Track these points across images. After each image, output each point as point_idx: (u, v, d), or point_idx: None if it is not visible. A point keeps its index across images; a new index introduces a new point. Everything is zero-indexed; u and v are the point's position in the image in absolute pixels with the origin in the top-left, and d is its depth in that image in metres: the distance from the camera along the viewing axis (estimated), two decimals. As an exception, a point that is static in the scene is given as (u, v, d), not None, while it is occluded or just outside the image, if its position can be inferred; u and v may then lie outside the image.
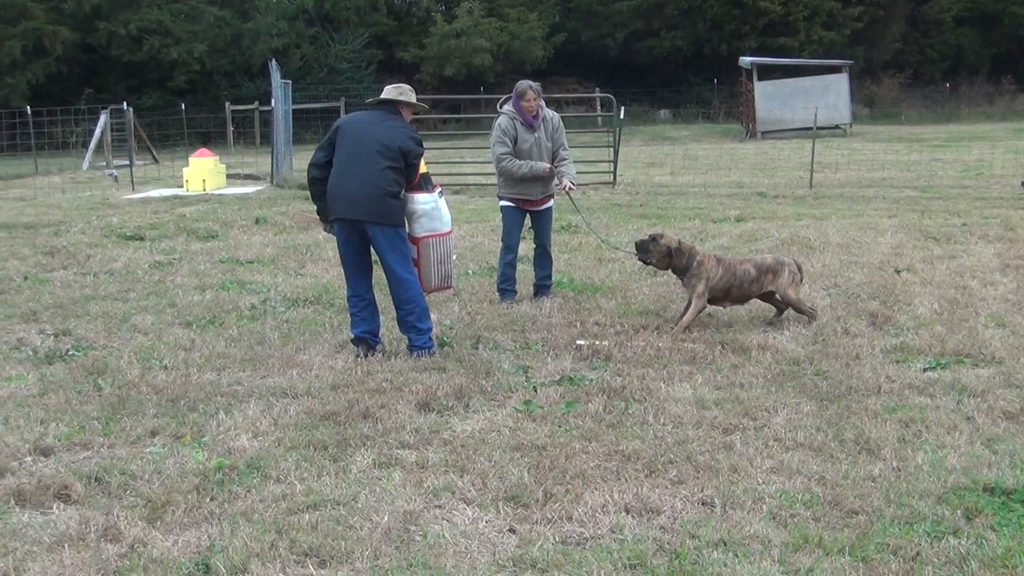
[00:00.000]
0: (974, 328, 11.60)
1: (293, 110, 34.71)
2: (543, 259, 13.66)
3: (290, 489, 7.26)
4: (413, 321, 10.81)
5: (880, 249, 16.99)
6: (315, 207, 11.23)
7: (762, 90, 51.71)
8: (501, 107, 13.33)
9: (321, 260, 16.70)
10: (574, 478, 7.36)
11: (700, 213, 22.22)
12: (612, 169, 28.73)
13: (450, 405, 9.12)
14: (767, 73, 53.81)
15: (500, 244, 13.68)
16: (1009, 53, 69.74)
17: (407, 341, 10.91)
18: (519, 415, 8.84)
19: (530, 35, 62.60)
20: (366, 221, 10.59)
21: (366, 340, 10.88)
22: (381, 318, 11.20)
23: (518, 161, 13.00)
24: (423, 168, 11.10)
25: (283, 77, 32.03)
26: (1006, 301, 13.00)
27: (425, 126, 45.23)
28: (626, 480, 7.35)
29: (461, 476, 7.46)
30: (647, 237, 12.32)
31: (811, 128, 32.69)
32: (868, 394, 9.32)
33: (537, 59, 63.02)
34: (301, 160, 32.67)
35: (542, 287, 13.61)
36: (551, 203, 13.59)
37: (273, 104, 30.42)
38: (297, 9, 59.57)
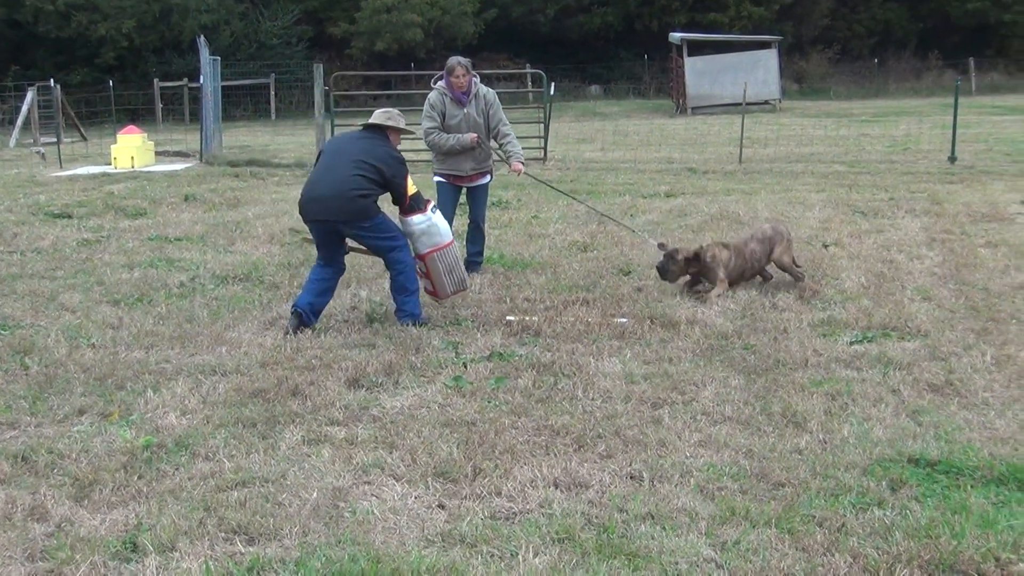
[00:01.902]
0: (900, 301, 11.71)
1: (223, 87, 34.51)
2: (476, 235, 13.69)
3: (218, 467, 7.24)
4: (403, 282, 11.05)
5: (808, 224, 17.08)
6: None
7: (692, 66, 51.71)
8: (435, 83, 13.34)
9: (251, 237, 16.61)
10: (503, 453, 7.38)
11: (630, 189, 22.24)
12: (542, 145, 28.73)
13: (380, 381, 9.12)
14: (697, 49, 53.85)
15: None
16: (936, 29, 70.12)
17: (396, 307, 11.19)
18: (449, 391, 8.86)
19: (461, 10, 62.26)
20: (338, 222, 10.81)
21: (301, 314, 10.87)
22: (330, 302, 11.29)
23: (445, 135, 13.03)
24: (412, 189, 11.28)
25: (213, 54, 31.82)
26: (932, 274, 13.12)
27: (355, 103, 45.10)
28: (555, 455, 7.37)
29: (390, 452, 7.47)
30: (663, 258, 12.41)
31: (741, 104, 32.84)
32: (795, 368, 9.40)
33: (468, 35, 62.74)
34: (230, 137, 32.63)
35: (473, 263, 13.60)
36: (487, 180, 13.59)
37: (202, 81, 30.22)
38: (226, -15, 59.13)
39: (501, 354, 9.89)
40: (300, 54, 59.51)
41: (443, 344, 10.26)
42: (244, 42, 58.98)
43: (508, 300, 12.02)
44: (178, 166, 28.58)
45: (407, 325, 10.86)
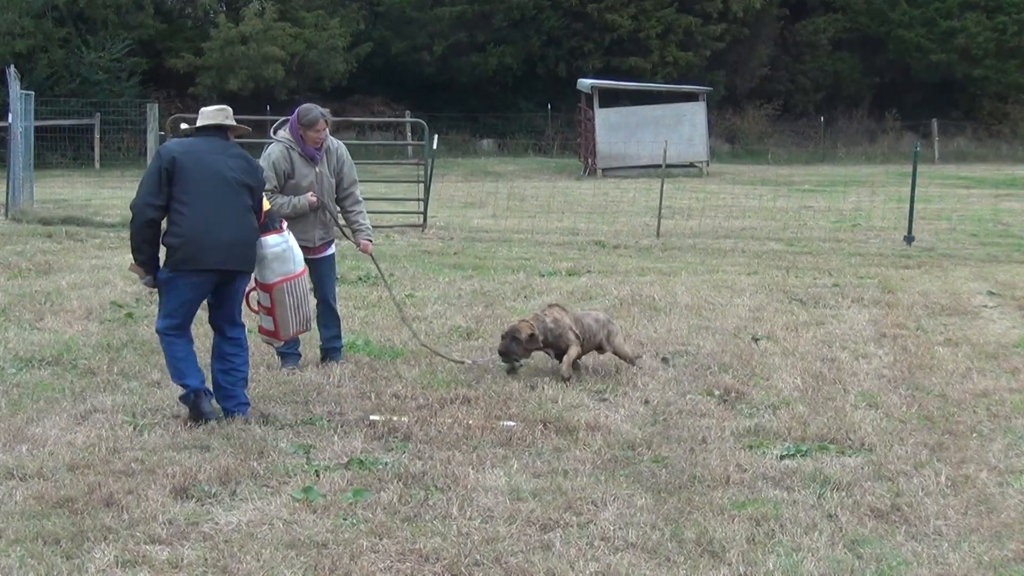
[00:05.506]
0: (841, 408, 11.82)
1: (37, 127, 34.23)
2: (328, 316, 13.61)
3: (11, 593, 7.16)
4: (245, 361, 11.34)
5: (736, 312, 17.22)
6: (137, 256, 11.15)
7: (604, 119, 51.66)
8: (275, 133, 13.25)
9: (64, 312, 16.44)
10: (359, 583, 7.37)
11: (525, 264, 22.30)
12: (422, 209, 28.76)
13: (213, 491, 9.07)
14: (611, 99, 54.11)
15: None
16: (894, 84, 70.90)
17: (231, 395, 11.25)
18: (296, 505, 8.83)
19: (330, 44, 62.17)
20: (239, 272, 11.06)
21: (204, 393, 10.99)
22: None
23: (280, 197, 12.88)
24: (266, 205, 11.42)
25: (27, 87, 31.59)
26: (880, 377, 13.26)
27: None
28: (422, 586, 7.37)
29: (222, 579, 7.43)
30: (506, 338, 12.95)
31: (661, 166, 33.09)
32: (714, 486, 9.45)
33: (338, 74, 62.40)
34: (44, 188, 32.32)
35: (331, 350, 13.54)
36: (331, 250, 13.57)
37: (11, 120, 29.96)
38: (44, 5, 58.53)
39: (362, 461, 9.87)
40: (132, 91, 59.03)
41: (292, 447, 10.23)
42: (64, 74, 58.47)
43: (373, 396, 12.00)
44: (-22, 223, 28.31)
45: (247, 419, 10.96)
